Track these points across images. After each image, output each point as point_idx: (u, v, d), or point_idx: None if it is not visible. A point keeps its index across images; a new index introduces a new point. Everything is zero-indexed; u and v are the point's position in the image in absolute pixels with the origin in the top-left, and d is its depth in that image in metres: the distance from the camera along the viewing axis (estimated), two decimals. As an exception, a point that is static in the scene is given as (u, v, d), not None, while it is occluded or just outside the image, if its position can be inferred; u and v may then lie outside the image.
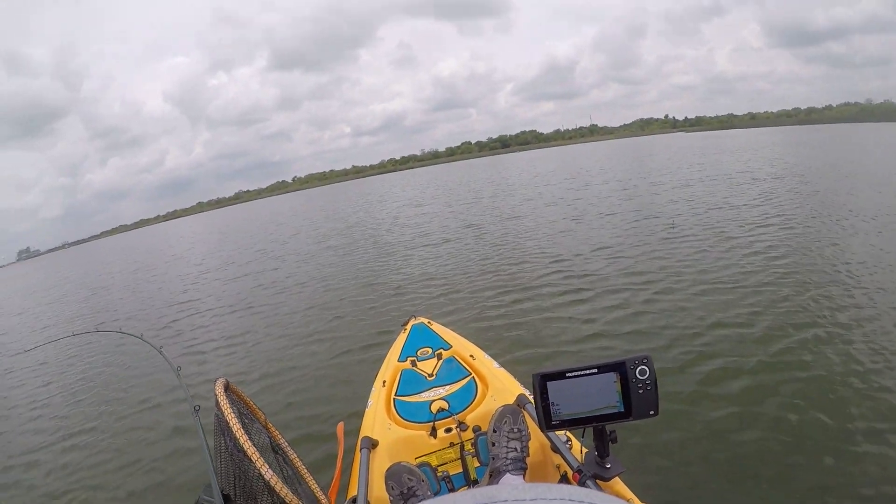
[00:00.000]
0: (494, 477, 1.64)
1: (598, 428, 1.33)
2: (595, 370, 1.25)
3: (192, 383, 5.39)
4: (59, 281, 23.35)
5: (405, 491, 1.59)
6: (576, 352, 4.27)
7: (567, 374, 1.26)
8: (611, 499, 0.30)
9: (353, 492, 1.82)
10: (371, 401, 2.40)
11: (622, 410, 1.26)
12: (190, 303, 9.54)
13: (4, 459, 4.61)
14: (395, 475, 1.64)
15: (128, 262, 24.43)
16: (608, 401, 1.26)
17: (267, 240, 19.36)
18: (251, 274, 11.59)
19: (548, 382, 1.27)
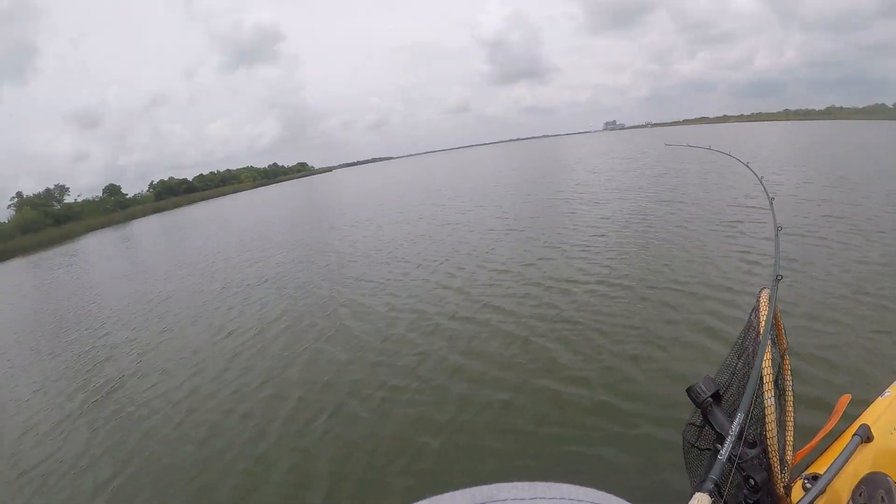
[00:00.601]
0: None
1: None
2: None
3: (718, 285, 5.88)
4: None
5: None
6: None
7: None
8: (612, 499, 0.30)
9: (818, 469, 1.67)
10: (889, 392, 2.07)
11: None
12: (755, 209, 9.53)
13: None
14: (872, 484, 1.41)
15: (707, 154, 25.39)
16: None
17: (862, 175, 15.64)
18: (831, 202, 10.03)
19: None
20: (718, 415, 1.21)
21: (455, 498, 0.28)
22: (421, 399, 4.36)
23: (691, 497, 0.83)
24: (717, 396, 1.23)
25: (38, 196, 65.10)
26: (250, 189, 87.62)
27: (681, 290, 5.84)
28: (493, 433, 3.70)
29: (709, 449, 1.28)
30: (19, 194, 64.12)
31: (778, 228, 2.35)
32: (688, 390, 1.23)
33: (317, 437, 4.15)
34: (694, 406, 1.24)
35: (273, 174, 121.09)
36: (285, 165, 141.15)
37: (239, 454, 4.19)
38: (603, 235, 9.08)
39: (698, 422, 1.30)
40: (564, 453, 3.32)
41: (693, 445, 1.35)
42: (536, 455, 3.35)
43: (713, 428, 1.21)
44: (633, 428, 3.46)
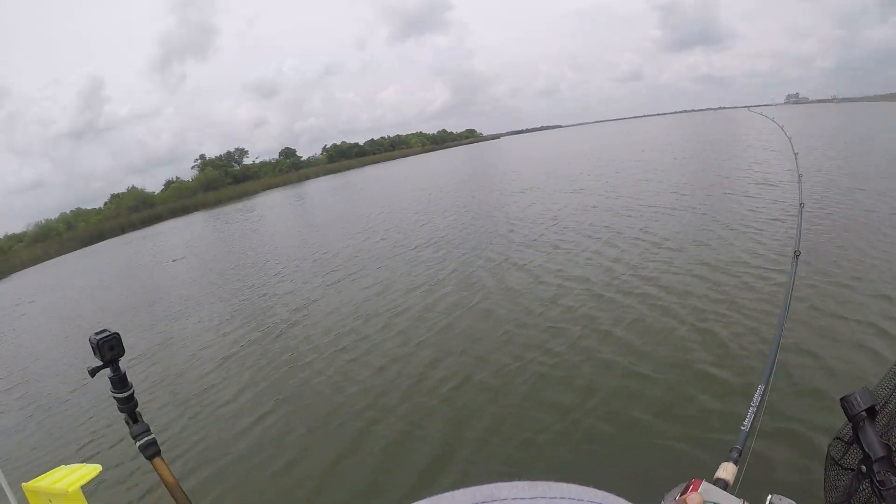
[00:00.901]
0: None
1: None
2: None
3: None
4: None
5: None
6: None
7: None
8: (613, 498, 0.30)
9: None
10: None
11: None
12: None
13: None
14: None
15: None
16: None
17: None
18: None
19: None
20: (870, 433, 1.08)
21: (456, 497, 0.28)
22: (581, 369, 4.38)
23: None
24: (871, 411, 1.08)
25: (219, 158, 74.15)
26: (419, 154, 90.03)
27: (851, 286, 5.26)
28: (650, 413, 3.64)
29: (851, 469, 1.14)
30: (202, 156, 74.15)
31: (801, 205, 2.40)
32: (842, 400, 1.08)
33: (472, 395, 4.32)
34: (846, 418, 1.10)
35: (441, 140, 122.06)
36: (453, 132, 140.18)
37: (397, 401, 4.40)
38: (778, 220, 8.33)
39: (847, 437, 1.15)
40: (715, 441, 3.20)
41: (836, 462, 1.21)
42: (696, 441, 3.29)
43: (861, 447, 1.08)
44: (786, 425, 3.27)
